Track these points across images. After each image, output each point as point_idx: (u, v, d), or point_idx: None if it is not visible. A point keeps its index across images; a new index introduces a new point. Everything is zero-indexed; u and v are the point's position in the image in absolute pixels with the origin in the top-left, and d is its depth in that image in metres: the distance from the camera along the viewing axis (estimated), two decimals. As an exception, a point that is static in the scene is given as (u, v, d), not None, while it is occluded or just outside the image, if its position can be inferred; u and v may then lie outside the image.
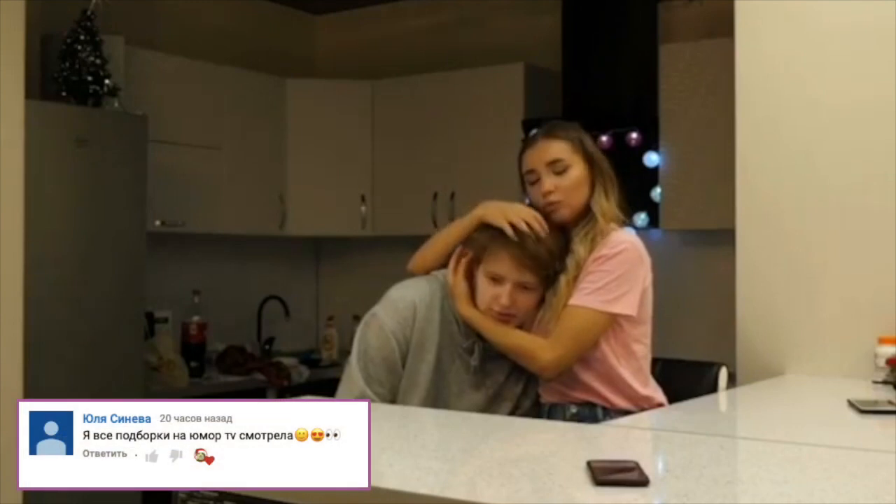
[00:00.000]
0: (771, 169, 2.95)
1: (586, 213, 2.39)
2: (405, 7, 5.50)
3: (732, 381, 2.85)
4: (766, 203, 2.96)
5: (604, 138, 4.45)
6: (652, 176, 4.38)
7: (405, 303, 2.42)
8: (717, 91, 3.97)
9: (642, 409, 2.35)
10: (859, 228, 2.81)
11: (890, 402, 2.22)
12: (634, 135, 4.41)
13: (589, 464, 1.49)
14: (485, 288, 2.36)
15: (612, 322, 2.32)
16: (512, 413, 2.46)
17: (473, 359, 2.42)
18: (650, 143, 4.39)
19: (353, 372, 2.41)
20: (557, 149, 2.39)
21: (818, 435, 2.00)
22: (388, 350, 2.39)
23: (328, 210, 5.22)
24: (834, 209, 2.85)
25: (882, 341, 2.69)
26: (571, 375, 2.36)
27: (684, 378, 2.54)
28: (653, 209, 4.38)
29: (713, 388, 2.60)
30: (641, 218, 4.40)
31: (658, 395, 2.42)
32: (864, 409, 2.15)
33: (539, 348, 2.32)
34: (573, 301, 2.31)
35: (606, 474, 1.44)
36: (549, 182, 2.37)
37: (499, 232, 2.33)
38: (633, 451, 1.88)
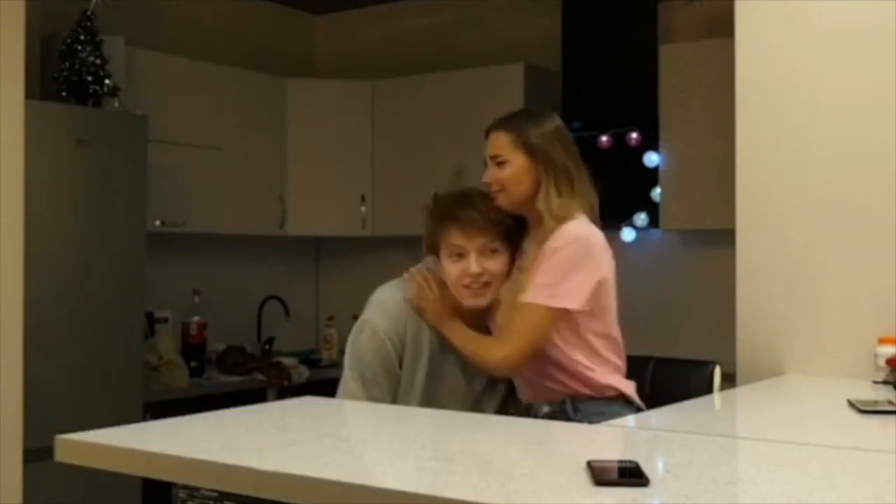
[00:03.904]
0: (771, 169, 2.95)
1: (533, 206, 2.40)
2: (405, 7, 5.50)
3: (731, 380, 2.85)
4: (766, 203, 2.96)
5: (604, 138, 4.46)
6: (652, 176, 4.38)
7: (394, 301, 2.45)
8: (717, 91, 3.96)
9: (607, 398, 2.37)
10: (859, 228, 2.81)
11: (890, 402, 2.22)
12: (634, 135, 4.41)
13: (589, 464, 1.49)
14: (452, 268, 2.41)
15: (561, 316, 2.32)
16: (505, 401, 2.48)
17: None
18: (650, 143, 4.39)
19: (347, 380, 2.42)
20: (498, 143, 2.44)
21: (818, 435, 2.00)
22: (384, 352, 2.40)
23: (328, 210, 5.22)
24: (834, 209, 2.85)
25: (882, 341, 2.69)
26: (535, 365, 2.38)
27: (679, 377, 2.54)
28: (653, 209, 4.39)
29: (708, 386, 2.60)
30: (641, 218, 4.40)
31: (623, 385, 2.41)
32: (864, 409, 2.15)
33: (489, 347, 2.36)
34: (521, 297, 2.32)
35: (606, 474, 1.44)
36: (489, 174, 2.44)
37: (440, 215, 2.42)
38: (633, 451, 1.88)
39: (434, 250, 2.47)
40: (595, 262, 2.35)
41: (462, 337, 2.40)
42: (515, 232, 2.43)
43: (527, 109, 2.59)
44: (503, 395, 2.50)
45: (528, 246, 2.41)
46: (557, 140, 2.45)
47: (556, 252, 2.31)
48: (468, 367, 2.45)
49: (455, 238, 2.39)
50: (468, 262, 2.38)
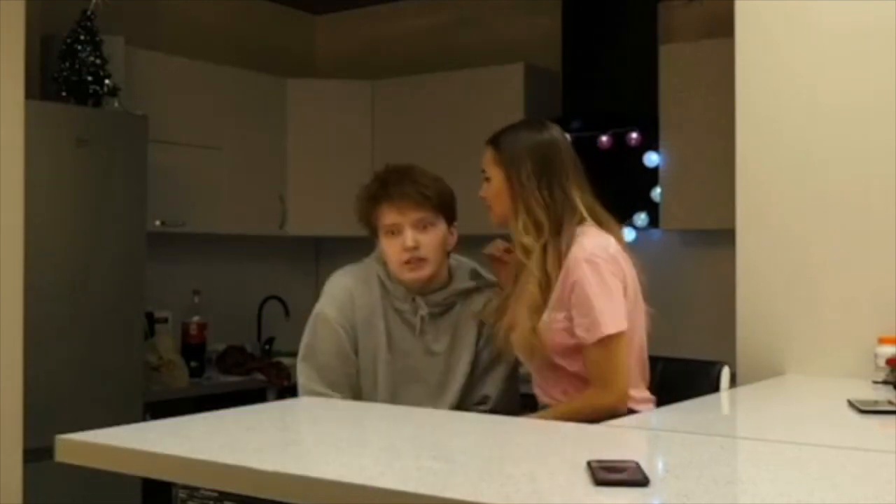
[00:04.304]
0: (771, 169, 2.95)
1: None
2: (405, 7, 5.50)
3: (732, 380, 2.85)
4: (766, 203, 2.95)
5: (604, 138, 4.46)
6: (652, 176, 4.38)
7: (340, 288, 2.52)
8: (717, 91, 3.96)
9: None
10: (859, 228, 2.81)
11: (890, 402, 2.22)
12: (634, 135, 4.41)
13: (589, 464, 1.49)
14: (390, 246, 2.46)
15: (621, 337, 2.30)
16: (472, 366, 2.50)
17: (416, 319, 2.48)
18: (650, 143, 4.39)
19: (301, 373, 2.50)
20: (484, 158, 2.44)
21: (818, 435, 2.00)
22: (336, 339, 2.47)
23: (328, 210, 5.22)
24: (834, 209, 2.85)
25: (882, 341, 2.68)
26: (555, 377, 2.38)
27: (687, 377, 2.54)
28: (653, 209, 4.39)
29: (715, 387, 2.60)
30: (641, 218, 4.40)
31: (637, 393, 2.41)
32: (864, 409, 2.15)
33: (594, 399, 2.29)
34: (585, 340, 2.28)
35: (606, 474, 1.44)
36: (482, 188, 2.44)
37: (374, 195, 2.49)
38: (633, 451, 1.88)
39: (372, 230, 2.53)
40: (616, 279, 2.32)
41: (564, 411, 2.30)
42: (450, 204, 2.48)
43: (522, 121, 2.54)
44: (471, 357, 2.51)
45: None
46: (530, 157, 2.36)
47: (582, 282, 2.28)
48: (423, 336, 2.49)
49: (389, 216, 2.45)
50: (402, 238, 2.43)
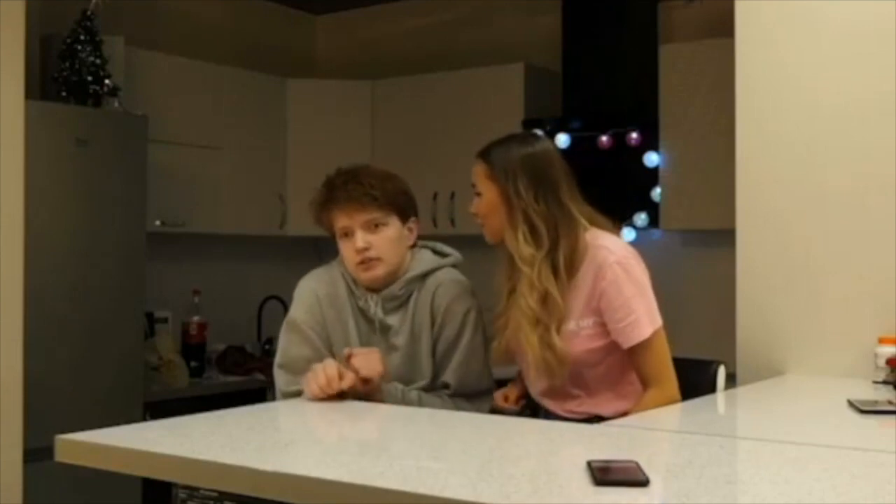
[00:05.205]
0: (771, 169, 2.95)
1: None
2: (405, 7, 5.50)
3: (732, 380, 2.85)
4: (766, 203, 2.95)
5: (604, 138, 4.46)
6: (652, 176, 4.38)
7: (306, 292, 2.58)
8: (717, 91, 3.97)
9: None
10: (859, 228, 2.81)
11: (890, 402, 2.22)
12: (634, 135, 4.41)
13: (589, 464, 1.49)
14: (345, 249, 2.49)
15: (661, 332, 2.33)
16: (433, 355, 2.47)
17: (373, 314, 2.48)
18: (650, 143, 4.39)
19: (277, 376, 2.50)
20: (475, 172, 2.43)
21: (818, 435, 2.00)
22: (309, 343, 2.48)
23: (328, 210, 5.21)
24: (834, 209, 2.85)
25: (882, 341, 2.68)
26: (580, 381, 2.38)
27: (684, 376, 2.54)
28: (653, 209, 4.39)
29: (712, 386, 2.60)
30: (641, 218, 4.40)
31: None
32: (864, 409, 2.15)
33: (656, 399, 2.30)
34: (634, 341, 2.29)
35: (606, 474, 1.44)
36: (473, 203, 2.43)
37: (324, 200, 2.49)
38: (633, 451, 1.88)
39: (330, 234, 2.55)
40: (645, 276, 2.36)
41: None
42: (401, 201, 2.47)
43: (512, 135, 2.52)
44: (429, 352, 2.48)
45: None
46: (524, 170, 2.35)
47: (618, 283, 2.29)
48: (382, 334, 2.48)
49: (340, 220, 2.47)
50: (355, 240, 2.45)
